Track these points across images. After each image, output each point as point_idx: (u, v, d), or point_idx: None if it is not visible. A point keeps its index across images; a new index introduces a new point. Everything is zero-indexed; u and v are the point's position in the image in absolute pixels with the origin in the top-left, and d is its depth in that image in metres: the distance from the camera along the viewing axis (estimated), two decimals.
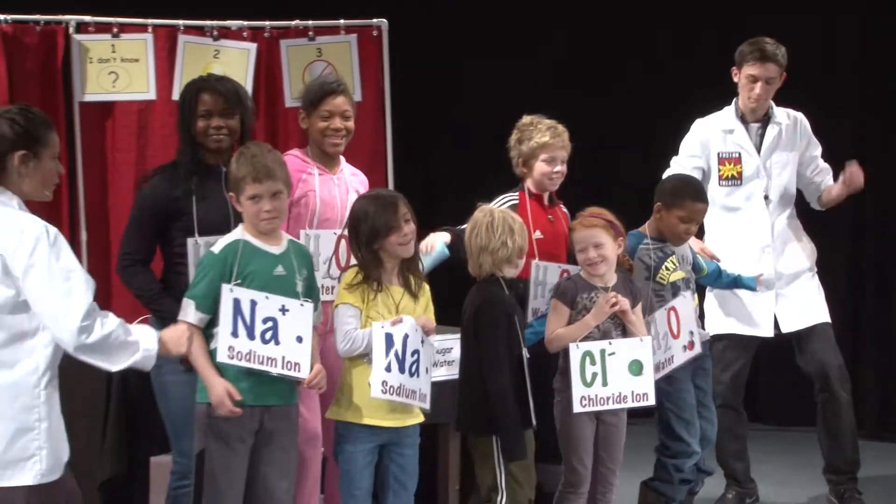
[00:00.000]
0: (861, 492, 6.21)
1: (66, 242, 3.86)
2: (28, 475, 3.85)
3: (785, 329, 6.22)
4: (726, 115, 6.24)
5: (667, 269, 5.55)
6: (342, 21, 7.29)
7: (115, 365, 3.87)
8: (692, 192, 5.62)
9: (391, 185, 7.20)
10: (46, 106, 6.71)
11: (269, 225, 4.54)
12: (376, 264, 4.73)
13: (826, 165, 6.39)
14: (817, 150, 6.36)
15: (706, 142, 6.22)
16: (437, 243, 5.32)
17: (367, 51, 7.32)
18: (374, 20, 7.34)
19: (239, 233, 4.59)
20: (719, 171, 6.17)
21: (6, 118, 3.91)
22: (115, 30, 7.04)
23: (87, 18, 7.02)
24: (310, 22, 7.29)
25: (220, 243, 4.57)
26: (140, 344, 3.89)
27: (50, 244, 3.79)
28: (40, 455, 3.86)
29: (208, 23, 7.16)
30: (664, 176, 5.97)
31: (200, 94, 4.94)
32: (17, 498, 3.85)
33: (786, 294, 6.22)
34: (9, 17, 6.87)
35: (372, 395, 4.64)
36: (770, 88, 6.11)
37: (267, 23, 7.26)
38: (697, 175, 6.10)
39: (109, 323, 3.83)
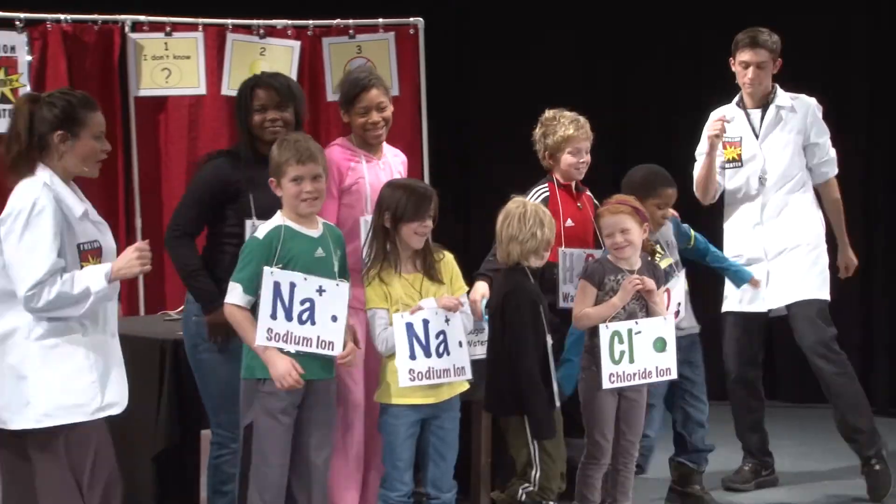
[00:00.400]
0: (878, 463, 6.23)
1: (51, 217, 4.13)
2: (26, 419, 4.19)
3: (767, 307, 6.36)
4: (731, 104, 6.41)
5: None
6: (381, 20, 7.41)
7: (76, 313, 4.18)
8: (664, 179, 5.85)
9: (427, 179, 7.25)
10: (104, 100, 6.80)
11: (309, 207, 4.60)
12: (393, 249, 4.78)
13: (832, 156, 6.40)
14: (822, 137, 6.37)
15: None
16: (482, 308, 5.25)
17: (404, 48, 7.47)
18: (411, 19, 7.46)
19: (279, 219, 4.65)
20: (723, 154, 6.35)
21: (46, 102, 4.22)
22: (168, 29, 7.20)
23: (142, 18, 7.18)
24: (350, 21, 7.42)
25: (263, 229, 4.65)
26: (91, 289, 4.16)
27: (29, 216, 4.13)
28: (35, 402, 4.18)
29: (255, 22, 7.36)
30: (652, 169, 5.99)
31: (255, 90, 5.06)
32: (26, 440, 4.19)
33: (774, 271, 6.32)
34: (69, 16, 7.03)
35: (400, 384, 4.77)
36: (762, 73, 6.24)
37: (310, 22, 7.45)
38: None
39: (56, 286, 4.13)
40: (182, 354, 5.24)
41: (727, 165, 6.38)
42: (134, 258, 4.26)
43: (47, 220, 4.14)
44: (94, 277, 4.18)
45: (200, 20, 7.31)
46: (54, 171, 4.23)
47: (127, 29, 7.19)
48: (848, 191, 6.67)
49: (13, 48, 6.98)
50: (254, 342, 4.58)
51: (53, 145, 4.21)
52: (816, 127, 6.37)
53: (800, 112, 6.33)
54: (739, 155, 6.33)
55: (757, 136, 6.32)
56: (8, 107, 6.85)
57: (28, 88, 6.94)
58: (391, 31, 7.50)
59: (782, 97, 6.35)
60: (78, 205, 4.27)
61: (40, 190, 4.16)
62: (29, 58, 7.01)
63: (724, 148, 6.34)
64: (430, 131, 7.53)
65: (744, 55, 6.24)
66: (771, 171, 6.32)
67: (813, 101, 6.40)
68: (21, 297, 4.12)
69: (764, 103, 6.34)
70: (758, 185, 6.34)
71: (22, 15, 7.01)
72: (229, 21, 7.35)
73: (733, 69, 6.31)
